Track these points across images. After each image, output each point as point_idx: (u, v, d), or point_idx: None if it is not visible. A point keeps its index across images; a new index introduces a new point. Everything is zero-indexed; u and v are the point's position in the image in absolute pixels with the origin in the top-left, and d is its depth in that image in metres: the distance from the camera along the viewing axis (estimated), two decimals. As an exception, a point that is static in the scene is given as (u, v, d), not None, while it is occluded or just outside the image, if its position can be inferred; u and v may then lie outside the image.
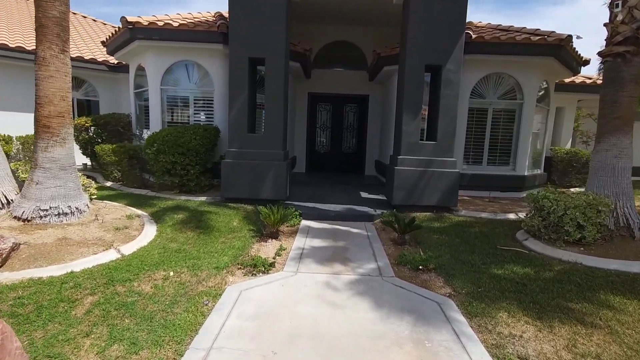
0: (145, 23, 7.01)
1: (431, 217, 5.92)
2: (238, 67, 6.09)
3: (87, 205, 4.38)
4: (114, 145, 7.39)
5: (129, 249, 3.90)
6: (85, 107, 10.91)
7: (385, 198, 7.04)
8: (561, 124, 11.26)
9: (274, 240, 4.81)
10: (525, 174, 7.88)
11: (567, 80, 9.76)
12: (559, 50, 7.03)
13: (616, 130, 4.30)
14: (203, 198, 6.45)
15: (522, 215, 5.98)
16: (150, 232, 4.46)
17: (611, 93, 4.37)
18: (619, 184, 4.29)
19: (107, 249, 3.74)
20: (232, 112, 6.16)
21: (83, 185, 5.04)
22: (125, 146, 7.29)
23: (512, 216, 6.01)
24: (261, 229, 5.07)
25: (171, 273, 3.50)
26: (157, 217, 5.16)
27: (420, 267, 3.94)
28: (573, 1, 52.48)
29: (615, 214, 4.27)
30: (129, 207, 5.39)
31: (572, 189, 9.21)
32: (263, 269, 3.79)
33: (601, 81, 4.85)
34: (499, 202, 7.20)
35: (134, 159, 7.27)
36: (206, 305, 3.02)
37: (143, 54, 7.87)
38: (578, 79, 10.22)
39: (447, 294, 3.40)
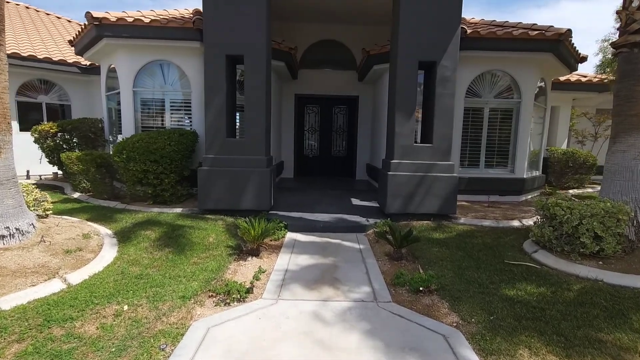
0: (113, 19, 6.40)
1: (429, 226, 5.43)
2: (214, 65, 5.52)
3: (32, 224, 3.75)
4: (81, 153, 6.74)
5: (78, 276, 3.30)
6: (59, 113, 10.19)
7: (378, 205, 6.54)
8: (556, 124, 10.95)
9: (254, 258, 4.24)
10: (525, 176, 7.47)
11: (562, 78, 9.45)
12: (557, 45, 6.65)
13: (633, 128, 3.87)
14: (179, 210, 5.85)
15: (526, 222, 5.54)
16: (109, 254, 3.86)
17: (627, 88, 3.94)
18: (638, 189, 3.85)
19: (50, 279, 3.13)
20: (209, 114, 5.59)
21: (35, 200, 4.41)
22: (92, 154, 6.64)
23: (515, 223, 5.56)
24: (241, 245, 4.50)
25: (125, 307, 2.92)
26: (121, 235, 4.55)
27: (421, 288, 3.42)
28: (556, 3, 53.28)
29: (635, 222, 3.83)
30: (89, 223, 4.77)
31: (570, 191, 8.87)
32: (238, 297, 3.23)
33: (613, 77, 4.42)
34: (498, 207, 6.76)
35: (102, 168, 6.62)
36: (162, 350, 2.45)
37: (113, 54, 7.25)
38: (573, 77, 9.93)
39: (454, 324, 2.89)
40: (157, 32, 6.45)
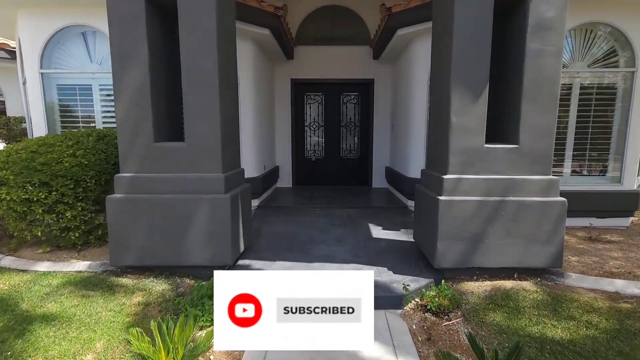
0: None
1: (514, 291, 2.97)
2: (126, 17, 3.13)
3: None
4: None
5: None
6: None
7: (412, 240, 4.10)
8: None
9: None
10: (636, 188, 4.90)
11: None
12: None
13: None
14: (85, 264, 3.51)
15: None
16: None
17: None
18: None
19: None
20: (120, 102, 3.21)
21: None
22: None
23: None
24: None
25: None
26: None
27: None
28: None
29: None
30: None
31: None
32: None
33: None
34: (610, 240, 4.23)
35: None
36: None
37: (15, 20, 4.96)
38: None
39: None
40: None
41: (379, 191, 7.61)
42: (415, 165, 5.95)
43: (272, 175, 7.19)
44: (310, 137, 8.28)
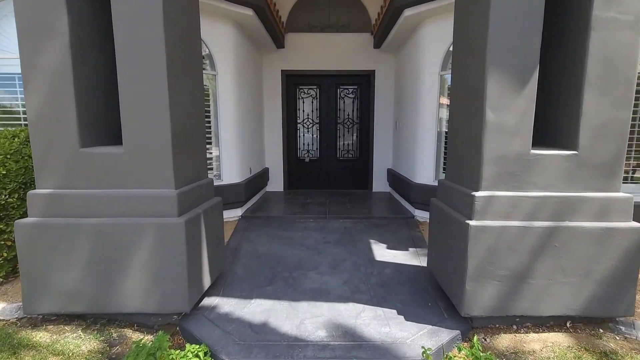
0: None
1: (572, 351, 2.15)
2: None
3: None
4: None
5: None
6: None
7: (424, 264, 3.28)
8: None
9: None
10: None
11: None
12: None
13: None
14: (-2, 306, 2.67)
15: None
16: None
17: None
18: None
19: None
20: (31, 95, 2.34)
21: None
22: None
23: None
24: None
25: None
26: None
27: None
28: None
29: None
30: None
31: None
32: None
33: None
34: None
35: None
36: None
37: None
38: None
39: None
40: None
41: (381, 196, 6.77)
42: (423, 170, 5.11)
43: (259, 179, 6.34)
44: (303, 135, 7.42)
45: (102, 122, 2.57)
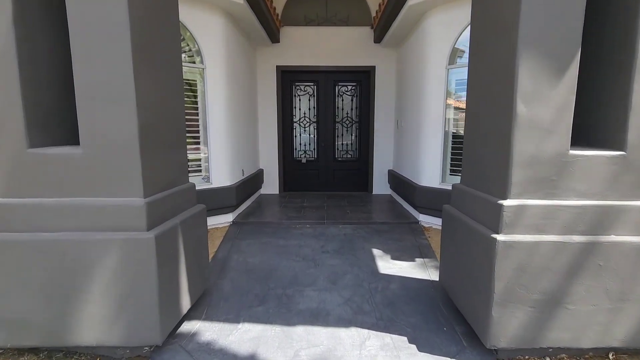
0: None
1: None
2: None
3: None
4: None
5: None
6: None
7: (435, 278, 2.91)
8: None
9: None
10: None
11: None
12: None
13: None
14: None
15: None
16: None
17: None
18: None
19: None
20: (-33, 80, 1.95)
21: None
22: None
23: None
24: None
25: None
26: None
27: None
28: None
29: None
30: None
31: None
32: None
33: None
34: None
35: None
36: None
37: None
38: None
39: None
40: None
41: (382, 199, 6.40)
42: (429, 172, 4.74)
43: (253, 181, 5.94)
44: (300, 135, 7.03)
45: (57, 117, 2.17)
